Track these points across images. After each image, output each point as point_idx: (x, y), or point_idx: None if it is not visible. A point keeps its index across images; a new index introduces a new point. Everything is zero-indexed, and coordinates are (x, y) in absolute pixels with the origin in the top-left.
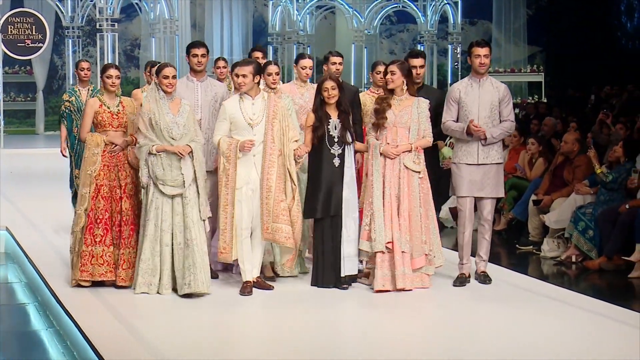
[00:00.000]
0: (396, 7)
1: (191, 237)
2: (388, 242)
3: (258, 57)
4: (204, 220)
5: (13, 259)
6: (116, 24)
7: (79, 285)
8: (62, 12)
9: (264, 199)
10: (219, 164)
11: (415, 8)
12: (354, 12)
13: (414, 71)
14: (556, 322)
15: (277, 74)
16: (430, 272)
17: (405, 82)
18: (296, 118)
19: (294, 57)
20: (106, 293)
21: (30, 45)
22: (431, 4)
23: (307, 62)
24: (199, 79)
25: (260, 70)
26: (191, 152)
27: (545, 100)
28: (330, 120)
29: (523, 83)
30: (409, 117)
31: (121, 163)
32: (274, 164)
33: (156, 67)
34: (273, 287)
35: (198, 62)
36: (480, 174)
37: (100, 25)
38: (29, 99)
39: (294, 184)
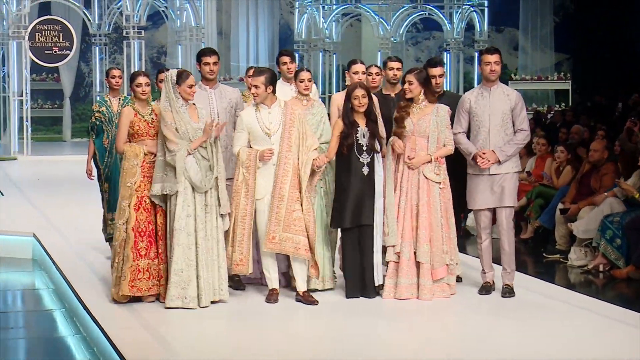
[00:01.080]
0: (422, 14)
1: (210, 245)
2: (397, 252)
3: (286, 62)
4: (222, 216)
5: (40, 265)
6: (143, 31)
7: (114, 301)
8: (89, 20)
9: (275, 208)
10: (237, 174)
11: (441, 15)
12: (380, 19)
13: (433, 80)
14: (583, 331)
15: (310, 80)
16: (451, 282)
17: (423, 90)
18: (329, 127)
19: (320, 64)
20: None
21: (58, 52)
22: (457, 12)
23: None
24: (212, 86)
25: (274, 79)
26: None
27: (572, 108)
28: (358, 129)
29: (550, 91)
30: (428, 125)
31: None
32: (289, 172)
33: (176, 76)
34: (318, 302)
35: (210, 70)
36: (493, 185)
37: (126, 33)
38: (56, 106)
39: (302, 193)
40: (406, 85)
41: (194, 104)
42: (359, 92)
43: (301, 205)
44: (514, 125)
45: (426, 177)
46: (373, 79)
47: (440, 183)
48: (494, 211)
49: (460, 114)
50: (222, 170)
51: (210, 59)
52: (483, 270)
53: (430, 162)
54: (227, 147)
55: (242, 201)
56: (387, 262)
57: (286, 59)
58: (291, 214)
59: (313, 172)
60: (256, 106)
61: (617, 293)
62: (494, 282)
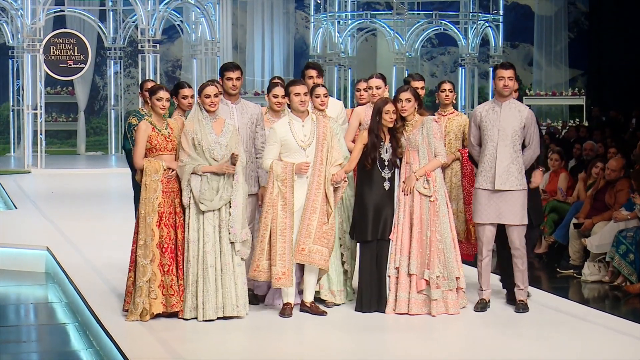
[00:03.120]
0: (437, 29)
1: (226, 260)
2: (396, 267)
3: (312, 76)
4: (241, 242)
5: (54, 279)
6: (158, 45)
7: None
8: (104, 33)
9: (306, 220)
10: (271, 188)
11: (456, 31)
12: (395, 34)
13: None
14: (596, 346)
15: (326, 95)
16: (434, 297)
17: (416, 106)
18: (344, 142)
19: (335, 79)
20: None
21: (72, 66)
22: (472, 27)
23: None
24: (234, 101)
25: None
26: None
27: (586, 124)
28: (382, 144)
29: (564, 106)
30: (416, 139)
31: (177, 189)
32: (321, 185)
33: (199, 87)
34: (327, 312)
35: (233, 85)
36: (497, 201)
37: (141, 47)
38: (70, 119)
39: (330, 208)
40: (404, 104)
41: (224, 119)
42: (391, 107)
43: (327, 221)
44: (524, 142)
45: (418, 192)
46: (361, 95)
47: (430, 196)
48: (501, 228)
49: (471, 127)
50: (243, 206)
51: (233, 74)
52: (480, 288)
53: (417, 179)
54: (246, 163)
55: (279, 214)
56: (388, 277)
57: (312, 72)
58: (322, 227)
59: (335, 188)
60: (289, 119)
61: (631, 308)
62: (489, 300)
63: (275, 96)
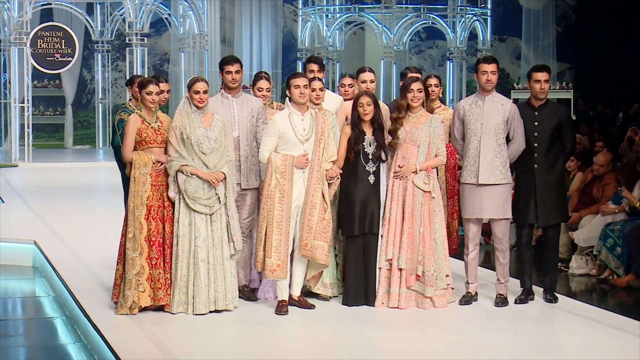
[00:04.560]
0: (425, 23)
1: (217, 254)
2: (389, 259)
3: (313, 70)
4: (233, 254)
5: (41, 273)
6: (145, 38)
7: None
8: (91, 27)
9: (307, 215)
10: (269, 180)
11: (444, 24)
12: (384, 28)
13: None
14: (583, 339)
15: (321, 89)
16: (428, 294)
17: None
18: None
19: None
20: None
21: (60, 59)
22: (460, 21)
23: (264, 84)
24: (234, 95)
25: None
26: (224, 178)
27: (574, 118)
28: (365, 137)
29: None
30: (420, 134)
31: (165, 183)
32: (320, 180)
33: (188, 82)
34: (315, 306)
35: (232, 79)
36: (482, 195)
37: (129, 40)
38: (57, 112)
39: (326, 204)
40: (415, 94)
41: (213, 113)
42: (364, 99)
43: (324, 217)
44: (508, 136)
45: (416, 186)
46: (346, 90)
47: (430, 192)
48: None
49: (454, 121)
50: (234, 209)
51: (233, 67)
52: (466, 281)
53: (415, 172)
54: (247, 157)
55: (276, 207)
56: (379, 269)
57: (314, 66)
58: (322, 222)
59: (329, 183)
60: (288, 112)
61: (617, 301)
62: (476, 293)
63: (260, 89)
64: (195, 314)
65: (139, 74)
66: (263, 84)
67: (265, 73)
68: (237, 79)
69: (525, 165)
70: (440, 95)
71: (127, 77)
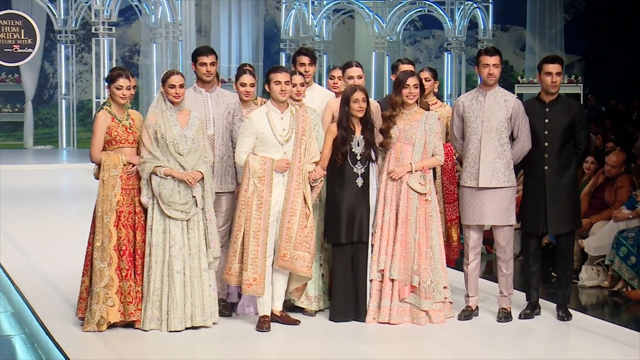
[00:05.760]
0: (421, 11)
1: (194, 265)
2: (381, 270)
3: (304, 63)
4: (210, 263)
5: None
6: (113, 28)
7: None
8: (53, 15)
9: (286, 223)
10: (245, 185)
11: (442, 12)
12: (375, 16)
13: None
14: (593, 358)
15: (303, 84)
16: (424, 307)
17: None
18: (322, 136)
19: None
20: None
21: (19, 50)
22: (459, 8)
23: (247, 79)
24: (208, 89)
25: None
26: (202, 178)
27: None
28: (353, 136)
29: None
30: (415, 132)
31: (137, 186)
32: (301, 185)
33: (162, 76)
34: (299, 321)
35: (207, 71)
36: (483, 200)
37: (95, 30)
38: (16, 109)
39: (309, 210)
40: (411, 89)
41: (189, 110)
42: (359, 95)
43: (306, 224)
44: (512, 134)
45: (411, 188)
46: (335, 83)
47: (425, 194)
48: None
49: (454, 118)
50: (213, 213)
51: (208, 59)
52: (466, 294)
53: (411, 172)
54: (222, 157)
55: (254, 214)
56: (370, 281)
57: (305, 59)
58: (302, 230)
59: (312, 187)
60: (267, 110)
61: (632, 316)
62: (477, 308)
63: (243, 85)
64: (170, 331)
65: (106, 66)
66: (246, 78)
67: (250, 66)
68: (212, 71)
69: (534, 166)
70: (436, 90)
71: (93, 71)
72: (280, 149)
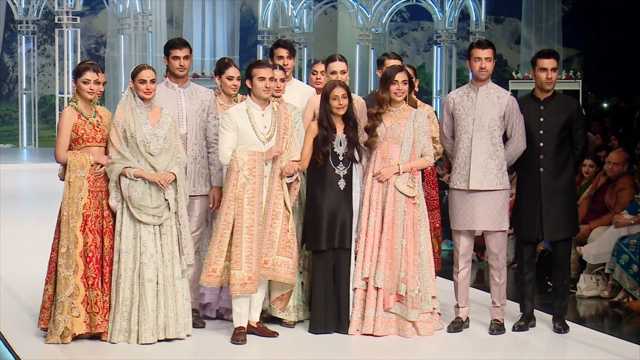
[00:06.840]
0: (409, 1)
1: (168, 273)
2: (365, 278)
3: (282, 56)
4: (184, 270)
5: None
6: (78, 18)
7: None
8: (13, 4)
9: (268, 227)
10: (234, 180)
11: (431, 3)
12: (359, 6)
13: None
14: None
15: (283, 80)
16: (411, 318)
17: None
18: (303, 134)
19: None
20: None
21: None
22: None
23: (234, 72)
24: (181, 84)
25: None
26: (175, 180)
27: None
28: (335, 135)
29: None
30: (403, 131)
31: (105, 189)
32: (283, 186)
33: (132, 70)
34: (278, 333)
35: (180, 65)
36: (474, 203)
37: (59, 20)
38: None
39: (288, 210)
40: (400, 86)
41: (161, 107)
42: (339, 91)
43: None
44: (505, 134)
45: (398, 190)
46: (318, 78)
47: (413, 198)
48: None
49: (443, 116)
50: (186, 216)
51: (181, 52)
52: (456, 304)
53: (398, 173)
54: (196, 157)
55: (245, 209)
56: (354, 290)
57: (283, 51)
58: (285, 235)
59: (289, 186)
60: (247, 106)
61: (634, 328)
62: (467, 319)
63: (230, 78)
64: (141, 344)
65: (70, 59)
66: (233, 71)
67: (230, 59)
68: (186, 65)
69: (528, 168)
70: (417, 89)
71: (57, 64)
72: (262, 147)
